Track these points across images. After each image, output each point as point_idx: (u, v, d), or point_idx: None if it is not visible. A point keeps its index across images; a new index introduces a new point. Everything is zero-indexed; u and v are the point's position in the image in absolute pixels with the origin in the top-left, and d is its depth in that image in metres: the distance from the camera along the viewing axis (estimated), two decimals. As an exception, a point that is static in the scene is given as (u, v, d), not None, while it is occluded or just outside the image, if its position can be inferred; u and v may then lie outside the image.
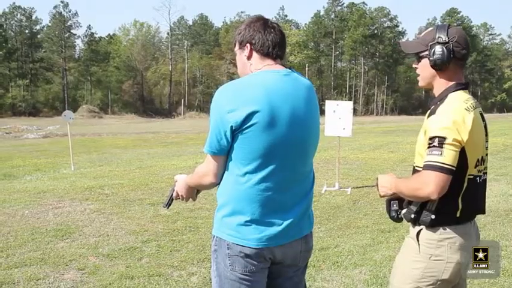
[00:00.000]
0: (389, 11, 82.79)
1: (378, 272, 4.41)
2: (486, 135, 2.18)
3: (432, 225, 2.11)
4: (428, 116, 2.12)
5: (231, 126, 1.98)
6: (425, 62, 2.15)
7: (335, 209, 7.03)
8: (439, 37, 2.09)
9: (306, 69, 68.85)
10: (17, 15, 75.82)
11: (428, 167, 1.98)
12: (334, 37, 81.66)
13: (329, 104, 8.76)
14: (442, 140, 1.97)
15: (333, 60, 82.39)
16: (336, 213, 6.75)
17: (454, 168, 1.97)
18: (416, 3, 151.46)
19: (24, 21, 76.35)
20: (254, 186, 2.03)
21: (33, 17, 76.58)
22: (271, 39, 2.12)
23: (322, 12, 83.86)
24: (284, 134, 2.02)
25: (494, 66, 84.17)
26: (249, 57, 2.16)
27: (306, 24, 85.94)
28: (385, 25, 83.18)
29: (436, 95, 2.17)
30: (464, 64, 2.18)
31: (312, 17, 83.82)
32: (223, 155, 2.07)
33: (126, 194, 8.12)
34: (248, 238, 2.06)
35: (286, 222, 2.09)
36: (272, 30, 2.13)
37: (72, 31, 77.62)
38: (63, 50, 74.78)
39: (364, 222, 6.27)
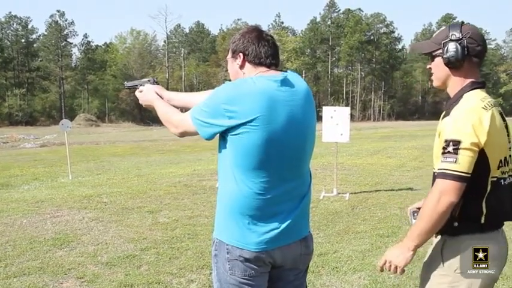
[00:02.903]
0: (385, 17, 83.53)
1: (377, 277, 4.41)
2: (508, 135, 2.04)
3: (455, 234, 1.99)
4: (443, 118, 2.01)
5: (226, 128, 2.01)
6: (438, 60, 2.05)
7: (333, 214, 7.03)
8: (452, 34, 1.99)
9: (303, 75, 68.94)
10: (13, 24, 75.96)
11: (442, 175, 1.89)
12: (330, 43, 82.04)
13: (326, 110, 8.77)
14: (457, 144, 1.86)
15: (329, 66, 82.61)
16: (334, 219, 6.75)
17: (469, 175, 1.87)
18: (412, 9, 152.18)
19: (20, 30, 76.42)
20: (252, 191, 2.04)
21: (29, 26, 76.75)
22: (264, 51, 2.14)
23: (318, 19, 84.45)
24: (281, 139, 2.03)
25: (490, 71, 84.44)
26: (241, 67, 2.18)
27: (302, 30, 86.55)
28: (381, 31, 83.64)
29: (452, 95, 2.06)
30: (480, 62, 2.06)
31: (308, 24, 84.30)
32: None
33: (125, 202, 8.11)
34: (247, 242, 2.07)
35: (284, 225, 2.10)
36: (266, 43, 2.15)
37: (68, 40, 77.84)
38: (60, 59, 74.84)
39: (362, 227, 6.27)
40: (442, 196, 1.87)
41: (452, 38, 1.99)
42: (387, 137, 26.60)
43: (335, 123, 8.49)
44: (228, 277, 2.12)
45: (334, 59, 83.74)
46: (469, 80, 2.02)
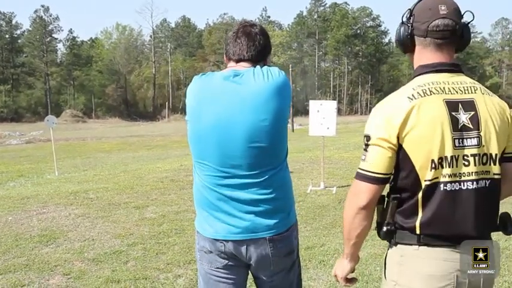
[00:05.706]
0: (372, 10, 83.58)
1: (363, 270, 4.44)
2: (459, 130, 1.62)
3: (394, 243, 1.74)
4: None
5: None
6: None
7: (320, 208, 7.06)
8: (404, 14, 1.77)
9: (290, 69, 68.90)
10: (-4, 20, 75.02)
11: (356, 175, 1.70)
12: (317, 37, 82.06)
13: (313, 104, 8.80)
14: (368, 140, 1.65)
15: (316, 60, 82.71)
16: (321, 213, 6.78)
17: (383, 175, 1.64)
18: (398, 3, 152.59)
19: (4, 26, 75.52)
20: (202, 182, 2.10)
21: (14, 22, 75.86)
22: (232, 46, 2.15)
23: (305, 13, 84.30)
24: (210, 136, 2.01)
25: (476, 64, 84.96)
26: (225, 61, 2.24)
27: (289, 25, 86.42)
28: (368, 25, 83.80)
29: None
30: (433, 41, 1.69)
31: (295, 18, 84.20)
32: None
33: (111, 198, 8.08)
34: (205, 229, 2.13)
35: (234, 220, 2.06)
36: (237, 38, 2.13)
37: (53, 35, 77.03)
38: (45, 55, 74.07)
39: (349, 220, 6.29)
40: (352, 198, 1.69)
41: (403, 19, 1.77)
42: (374, 131, 26.67)
43: (322, 117, 8.53)
44: (199, 266, 2.23)
45: (321, 53, 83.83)
46: (417, 65, 1.74)
